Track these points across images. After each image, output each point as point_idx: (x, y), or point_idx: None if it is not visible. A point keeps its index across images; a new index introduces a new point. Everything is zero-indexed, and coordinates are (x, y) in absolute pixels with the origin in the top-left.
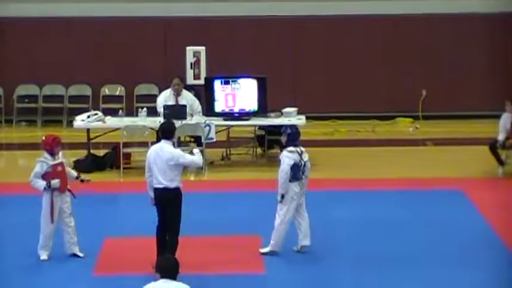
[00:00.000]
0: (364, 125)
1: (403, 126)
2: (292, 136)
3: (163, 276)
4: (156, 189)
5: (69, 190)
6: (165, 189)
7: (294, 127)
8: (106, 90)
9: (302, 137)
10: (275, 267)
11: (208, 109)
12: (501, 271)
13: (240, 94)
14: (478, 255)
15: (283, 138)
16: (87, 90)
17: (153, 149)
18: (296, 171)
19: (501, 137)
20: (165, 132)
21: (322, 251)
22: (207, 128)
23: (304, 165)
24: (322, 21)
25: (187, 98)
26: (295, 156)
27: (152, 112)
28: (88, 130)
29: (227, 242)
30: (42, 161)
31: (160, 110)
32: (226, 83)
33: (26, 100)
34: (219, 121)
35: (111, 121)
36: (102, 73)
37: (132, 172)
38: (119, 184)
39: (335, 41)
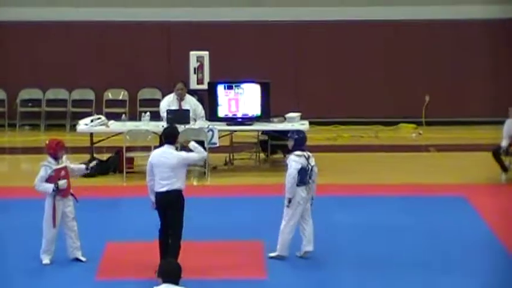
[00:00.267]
0: (367, 131)
1: (406, 132)
2: (299, 141)
3: (165, 281)
4: (158, 193)
5: (72, 194)
6: (168, 192)
7: (300, 132)
8: (109, 95)
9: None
10: (277, 273)
11: (212, 114)
12: (504, 278)
13: (243, 99)
14: (480, 261)
15: (290, 143)
16: (90, 95)
17: (156, 154)
18: (303, 176)
19: (504, 143)
20: (168, 137)
21: (325, 256)
22: (210, 132)
23: (311, 169)
24: (325, 27)
25: (191, 103)
26: (302, 161)
27: (155, 116)
28: (91, 134)
29: (230, 247)
30: (46, 165)
31: (164, 114)
32: (230, 87)
33: (29, 104)
34: (222, 126)
35: (114, 125)
36: (106, 77)
37: (135, 176)
38: (121, 188)
39: (338, 47)
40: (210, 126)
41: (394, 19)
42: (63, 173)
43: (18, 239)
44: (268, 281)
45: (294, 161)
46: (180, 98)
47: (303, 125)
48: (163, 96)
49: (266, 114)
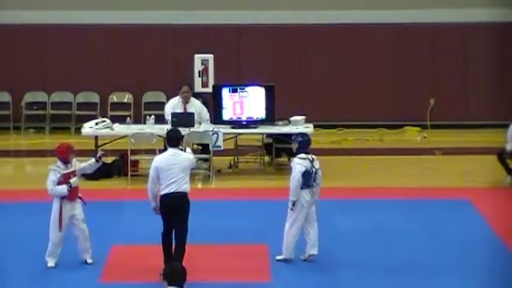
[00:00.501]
0: (372, 134)
1: (411, 135)
2: (303, 143)
3: (170, 284)
4: (164, 195)
5: (79, 197)
6: (175, 194)
7: (305, 135)
8: (114, 98)
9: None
10: (281, 276)
11: (216, 117)
12: (508, 281)
13: (248, 102)
14: (485, 265)
15: (294, 146)
16: (95, 98)
17: (163, 158)
18: (307, 179)
19: (509, 146)
20: (171, 141)
21: (329, 259)
22: (215, 136)
23: (316, 172)
24: (330, 30)
25: (196, 106)
26: (307, 163)
27: (160, 120)
28: (96, 137)
29: (234, 251)
30: (55, 169)
31: (168, 117)
32: (234, 91)
33: (35, 107)
34: (227, 129)
35: (119, 128)
36: (110, 80)
37: (139, 179)
38: (126, 191)
39: (343, 50)
40: (215, 129)
41: (399, 22)
42: (71, 176)
43: (23, 242)
44: (272, 284)
45: (298, 164)
46: (185, 101)
47: (308, 128)
48: (168, 99)
49: (271, 118)
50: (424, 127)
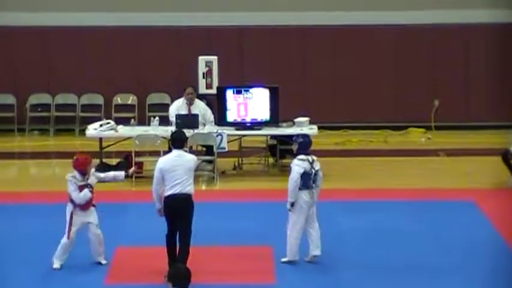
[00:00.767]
0: (376, 135)
1: (415, 137)
2: (303, 145)
3: (175, 286)
4: (169, 196)
5: (93, 205)
6: (179, 195)
7: (305, 136)
8: (118, 99)
9: (314, 147)
10: (286, 278)
11: (220, 118)
12: None
13: (252, 104)
14: (489, 266)
15: (294, 147)
16: (99, 99)
17: (167, 159)
18: (306, 180)
19: None
20: (175, 142)
21: (333, 261)
22: (219, 137)
23: (315, 173)
24: (334, 31)
25: (200, 108)
26: (305, 165)
27: (164, 121)
28: (100, 139)
29: (238, 252)
30: (71, 180)
31: (173, 119)
32: (239, 92)
33: (39, 109)
34: (231, 130)
35: (123, 130)
36: (115, 82)
37: (144, 181)
38: (130, 193)
39: (347, 51)
40: (219, 131)
41: (401, 23)
42: (86, 189)
43: (27, 244)
44: (277, 286)
45: (297, 165)
46: (190, 103)
47: (312, 130)
48: (172, 101)
49: (275, 119)
50: (428, 128)
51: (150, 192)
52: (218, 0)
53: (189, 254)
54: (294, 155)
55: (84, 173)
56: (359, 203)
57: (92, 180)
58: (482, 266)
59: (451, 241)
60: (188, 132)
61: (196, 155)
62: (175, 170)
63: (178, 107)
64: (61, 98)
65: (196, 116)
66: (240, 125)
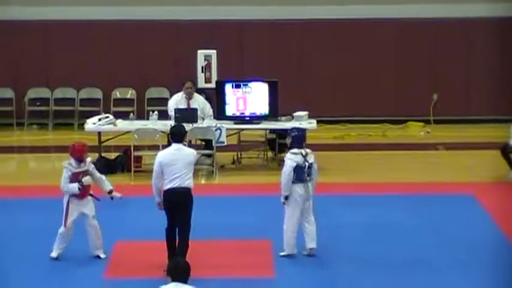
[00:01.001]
0: (375, 129)
1: (414, 131)
2: (297, 138)
3: (174, 280)
4: (168, 190)
5: (91, 195)
6: (178, 189)
7: (300, 129)
8: (117, 94)
9: (313, 141)
10: (285, 272)
11: (219, 113)
12: None
13: (251, 98)
14: (488, 260)
15: (288, 140)
16: (98, 93)
17: (167, 153)
18: (300, 173)
19: None
20: (174, 136)
21: (332, 255)
22: (218, 131)
23: (309, 167)
24: (333, 25)
25: (199, 102)
26: (298, 158)
27: (163, 115)
28: (99, 133)
29: (237, 246)
30: (67, 167)
31: (172, 113)
32: (237, 86)
33: (38, 103)
34: (230, 125)
35: (122, 124)
36: (113, 76)
37: (143, 175)
38: (129, 187)
39: (346, 45)
40: (218, 125)
41: (401, 17)
42: (81, 176)
43: (26, 238)
44: (276, 279)
45: (289, 159)
46: (189, 97)
47: (311, 124)
48: (171, 95)
49: (274, 113)
50: (427, 122)
51: (149, 186)
52: None
53: (189, 248)
54: (288, 149)
55: (80, 160)
56: (357, 197)
57: (90, 167)
58: (482, 260)
59: (450, 235)
60: (187, 126)
61: (196, 149)
62: (175, 163)
63: (177, 101)
64: (60, 92)
65: (195, 110)
66: (239, 119)
